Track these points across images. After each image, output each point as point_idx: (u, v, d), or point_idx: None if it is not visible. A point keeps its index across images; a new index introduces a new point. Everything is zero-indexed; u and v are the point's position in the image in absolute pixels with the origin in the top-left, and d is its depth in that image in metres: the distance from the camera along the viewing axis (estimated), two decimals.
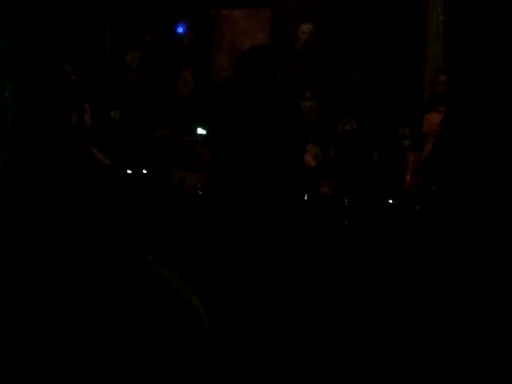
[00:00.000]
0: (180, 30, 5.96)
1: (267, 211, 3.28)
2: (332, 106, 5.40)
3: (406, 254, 4.03)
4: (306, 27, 5.49)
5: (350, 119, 5.34)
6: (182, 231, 4.15)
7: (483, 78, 4.89)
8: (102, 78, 5.32)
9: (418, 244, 4.09)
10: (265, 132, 3.12)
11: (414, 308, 3.53)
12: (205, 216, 3.91)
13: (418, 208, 4.36)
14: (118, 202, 4.28)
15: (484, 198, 4.08)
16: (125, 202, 4.32)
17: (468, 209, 4.03)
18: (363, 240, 4.18)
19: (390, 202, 4.74)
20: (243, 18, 5.71)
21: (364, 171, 4.99)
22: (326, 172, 4.04)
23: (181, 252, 4.01)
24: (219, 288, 3.37)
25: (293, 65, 5.55)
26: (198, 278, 3.72)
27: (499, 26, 4.98)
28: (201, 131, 5.45)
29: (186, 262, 3.92)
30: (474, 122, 4.17)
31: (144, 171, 4.66)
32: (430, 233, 4.06)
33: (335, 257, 3.76)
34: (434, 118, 4.40)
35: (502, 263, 3.81)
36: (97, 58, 5.32)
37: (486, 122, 4.36)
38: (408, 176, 4.53)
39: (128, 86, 5.14)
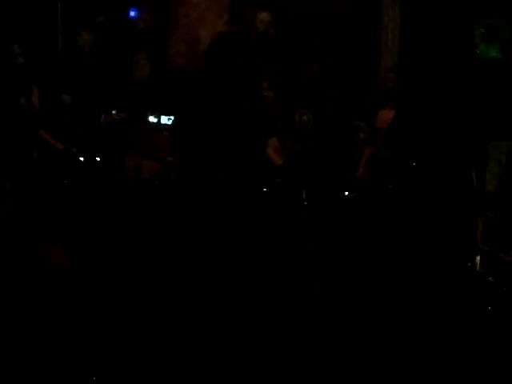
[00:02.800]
0: (133, 13, 5.80)
1: (227, 203, 3.22)
2: (289, 97, 5.38)
3: (364, 244, 4.08)
4: (263, 16, 5.43)
5: (307, 111, 5.35)
6: (138, 221, 4.05)
7: (435, 76, 4.99)
8: (53, 60, 5.10)
9: (371, 233, 4.16)
10: (231, 121, 3.05)
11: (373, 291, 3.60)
12: (162, 206, 3.82)
13: (368, 200, 4.42)
14: (70, 189, 4.13)
15: (432, 193, 4.19)
16: (78, 189, 4.18)
17: (420, 204, 4.12)
18: (321, 232, 4.20)
19: (346, 194, 4.78)
20: (201, 4, 5.61)
21: (321, 164, 5.01)
22: (291, 169, 4.04)
23: (137, 242, 3.91)
24: (176, 281, 3.30)
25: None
26: (154, 267, 3.64)
27: (453, 24, 5.10)
28: (156, 119, 5.33)
29: (142, 251, 3.83)
30: (424, 120, 4.26)
31: (97, 159, 4.51)
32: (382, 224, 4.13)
33: (295, 248, 3.76)
34: (385, 115, 4.47)
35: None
36: (47, 40, 5.09)
37: (435, 120, 4.46)
38: (360, 168, 4.59)
39: (80, 70, 4.94)
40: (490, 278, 3.92)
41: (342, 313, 3.47)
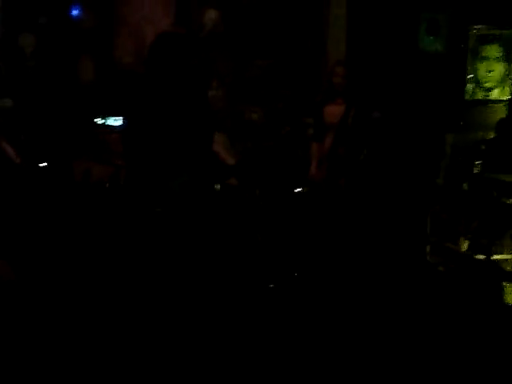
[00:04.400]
0: (76, 12, 5.64)
1: (180, 204, 3.19)
2: (238, 94, 5.36)
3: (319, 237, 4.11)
4: (211, 13, 5.37)
5: (257, 108, 5.34)
6: (89, 227, 3.96)
7: (382, 69, 5.06)
8: None
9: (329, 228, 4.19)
10: (181, 120, 3.01)
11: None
12: (113, 210, 3.74)
13: (321, 196, 4.45)
14: (14, 198, 4.01)
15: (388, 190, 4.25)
16: (22, 198, 4.05)
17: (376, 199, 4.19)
18: (276, 229, 4.22)
19: (298, 190, 4.80)
20: (146, 2, 5.49)
21: (273, 161, 5.02)
22: (244, 168, 4.00)
23: (89, 248, 3.83)
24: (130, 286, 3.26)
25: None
26: (105, 272, 3.56)
27: (399, 19, 5.18)
28: (103, 120, 5.22)
29: (94, 256, 3.75)
30: (372, 115, 4.30)
31: (41, 165, 4.38)
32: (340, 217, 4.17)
33: (250, 244, 3.76)
34: (333, 110, 4.42)
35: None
36: None
37: (390, 116, 4.51)
38: (312, 166, 4.56)
39: (23, 72, 4.78)
40: (440, 268, 4.02)
41: (300, 309, 3.49)
